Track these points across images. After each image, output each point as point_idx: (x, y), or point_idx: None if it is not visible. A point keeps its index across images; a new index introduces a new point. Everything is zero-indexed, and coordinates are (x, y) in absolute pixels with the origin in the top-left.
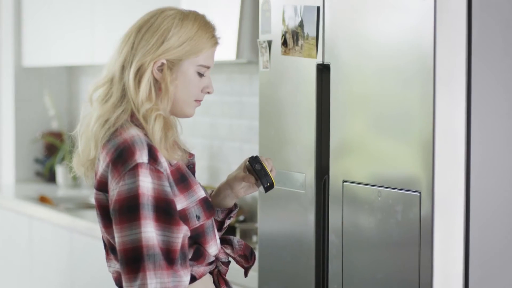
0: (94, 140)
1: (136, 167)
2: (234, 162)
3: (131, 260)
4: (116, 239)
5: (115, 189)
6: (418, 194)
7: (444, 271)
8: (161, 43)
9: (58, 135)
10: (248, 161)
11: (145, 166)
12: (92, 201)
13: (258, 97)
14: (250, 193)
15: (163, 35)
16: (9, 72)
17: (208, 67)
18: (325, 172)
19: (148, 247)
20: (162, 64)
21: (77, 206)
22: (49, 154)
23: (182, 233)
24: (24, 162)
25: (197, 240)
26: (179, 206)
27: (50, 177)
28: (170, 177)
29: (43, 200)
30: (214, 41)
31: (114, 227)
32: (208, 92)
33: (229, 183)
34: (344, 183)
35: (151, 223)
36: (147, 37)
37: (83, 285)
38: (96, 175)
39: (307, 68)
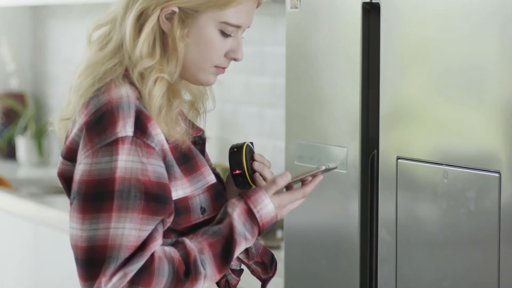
0: (78, 92)
1: (116, 142)
2: (252, 133)
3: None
4: (71, 231)
5: (83, 163)
6: (497, 175)
7: None
8: None
9: (19, 97)
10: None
11: (129, 140)
12: None
13: (285, 47)
14: None
15: None
16: None
17: (238, 27)
18: (374, 147)
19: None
20: (173, 12)
21: (44, 191)
22: (7, 121)
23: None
24: None
25: None
26: (180, 193)
27: (9, 152)
28: (170, 154)
29: None
30: None
31: (70, 214)
32: (235, 59)
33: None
34: (399, 160)
35: (132, 216)
36: None
37: (50, 287)
38: (66, 139)
39: (350, 8)
